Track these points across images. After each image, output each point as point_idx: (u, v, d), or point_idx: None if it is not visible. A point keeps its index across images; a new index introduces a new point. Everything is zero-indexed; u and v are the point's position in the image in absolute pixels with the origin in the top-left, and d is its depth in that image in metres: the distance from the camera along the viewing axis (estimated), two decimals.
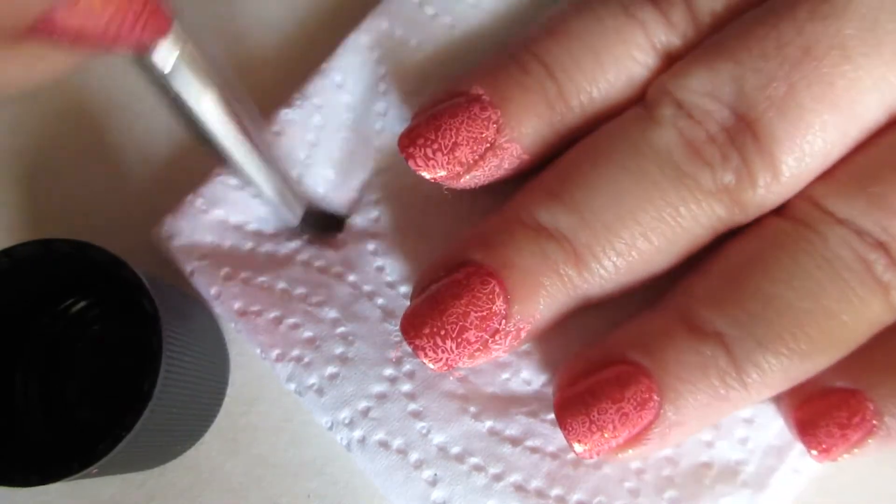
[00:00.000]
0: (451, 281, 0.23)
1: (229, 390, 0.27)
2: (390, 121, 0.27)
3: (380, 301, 0.26)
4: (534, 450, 0.24)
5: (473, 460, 0.24)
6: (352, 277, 0.26)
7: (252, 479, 0.26)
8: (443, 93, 0.24)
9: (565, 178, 0.23)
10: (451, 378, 0.25)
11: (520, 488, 0.24)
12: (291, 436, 0.26)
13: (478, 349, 0.22)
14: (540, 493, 0.24)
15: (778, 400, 0.25)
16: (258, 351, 0.25)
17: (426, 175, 0.23)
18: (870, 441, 0.22)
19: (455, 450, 0.24)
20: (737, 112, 0.22)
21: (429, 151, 0.23)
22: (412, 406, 0.24)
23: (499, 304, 0.22)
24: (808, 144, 0.21)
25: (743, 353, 0.21)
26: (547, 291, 0.22)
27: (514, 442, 0.24)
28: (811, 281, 0.21)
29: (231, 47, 0.30)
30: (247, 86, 0.28)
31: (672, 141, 0.22)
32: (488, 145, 0.23)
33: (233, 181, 0.26)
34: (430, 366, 0.22)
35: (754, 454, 0.24)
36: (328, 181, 0.27)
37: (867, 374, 0.23)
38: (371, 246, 0.26)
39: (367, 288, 0.26)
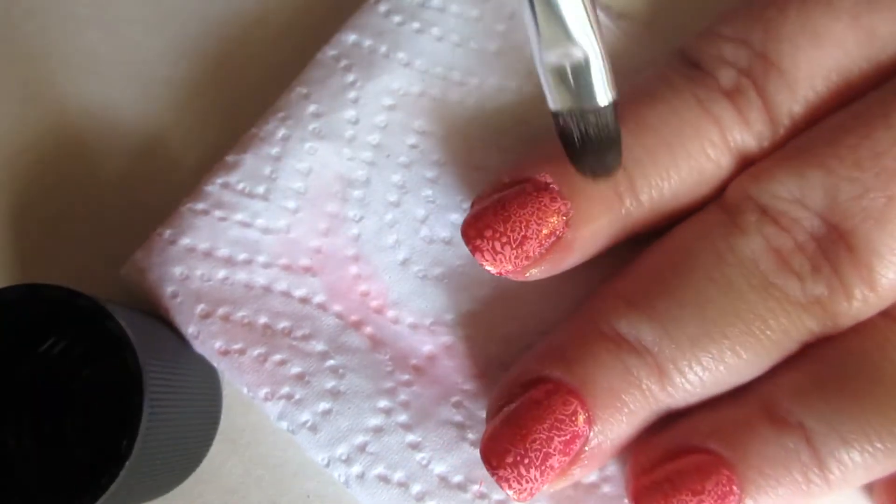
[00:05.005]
0: (530, 400, 0.21)
1: (228, 390, 0.26)
2: (361, 129, 0.25)
3: (367, 330, 0.25)
4: None
5: (476, 488, 0.24)
6: (336, 307, 0.25)
7: (252, 479, 0.26)
8: (506, 177, 0.23)
9: (647, 286, 0.22)
10: (448, 405, 0.24)
11: None
12: (291, 436, 0.26)
13: (560, 474, 0.21)
14: None
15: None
16: (245, 390, 0.24)
17: (492, 270, 0.22)
18: None
19: (457, 479, 0.24)
20: (829, 221, 0.21)
21: (497, 245, 0.22)
22: (410, 437, 0.24)
23: (581, 426, 0.21)
24: None
25: (826, 448, 0.21)
26: (629, 409, 0.21)
27: None
28: None
29: (229, 46, 0.28)
30: (244, 87, 0.28)
31: (758, 249, 0.21)
32: (556, 239, 0.22)
33: (199, 206, 0.25)
34: (513, 496, 0.21)
35: None
36: (297, 195, 0.25)
37: None
38: (353, 269, 0.25)
39: (353, 318, 0.25)
